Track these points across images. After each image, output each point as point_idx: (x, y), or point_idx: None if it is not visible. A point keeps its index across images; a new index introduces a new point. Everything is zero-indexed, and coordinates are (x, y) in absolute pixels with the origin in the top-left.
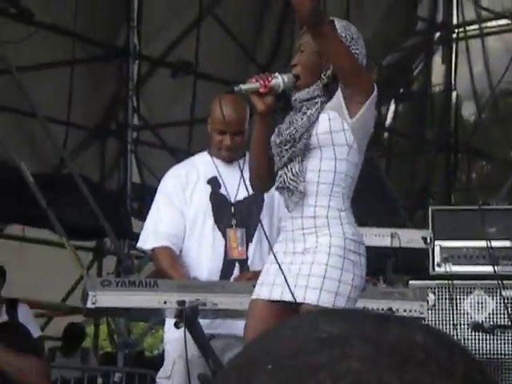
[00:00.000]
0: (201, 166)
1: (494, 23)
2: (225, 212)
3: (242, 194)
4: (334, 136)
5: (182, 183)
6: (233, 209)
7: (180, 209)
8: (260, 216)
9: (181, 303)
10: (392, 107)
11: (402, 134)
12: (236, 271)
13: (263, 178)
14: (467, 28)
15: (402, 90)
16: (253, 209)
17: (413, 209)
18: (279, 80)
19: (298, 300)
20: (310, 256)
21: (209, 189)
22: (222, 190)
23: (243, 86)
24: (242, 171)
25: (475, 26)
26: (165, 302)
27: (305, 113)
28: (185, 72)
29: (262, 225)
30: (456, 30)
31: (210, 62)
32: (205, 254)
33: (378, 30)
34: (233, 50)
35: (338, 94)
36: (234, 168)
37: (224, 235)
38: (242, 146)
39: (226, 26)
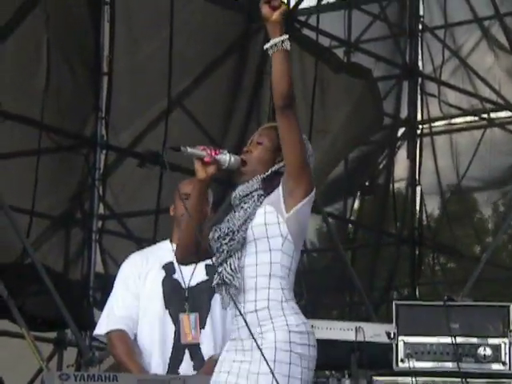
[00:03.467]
0: (159, 252)
1: (459, 120)
2: (176, 297)
3: (197, 280)
4: (268, 228)
5: (138, 269)
6: (186, 293)
7: (135, 293)
8: (211, 301)
9: None
10: (357, 200)
11: (367, 227)
12: (186, 356)
13: (189, 248)
14: (432, 124)
15: (367, 184)
16: (205, 294)
17: (378, 302)
18: (226, 157)
19: None
20: (258, 353)
21: (163, 274)
22: (176, 275)
23: (189, 149)
24: None
25: (440, 122)
26: None
27: (242, 207)
28: (152, 162)
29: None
30: (420, 126)
31: (178, 152)
32: (156, 338)
33: (344, 125)
34: (201, 141)
35: (278, 190)
36: None
37: (174, 320)
38: (207, 216)
39: (194, 117)
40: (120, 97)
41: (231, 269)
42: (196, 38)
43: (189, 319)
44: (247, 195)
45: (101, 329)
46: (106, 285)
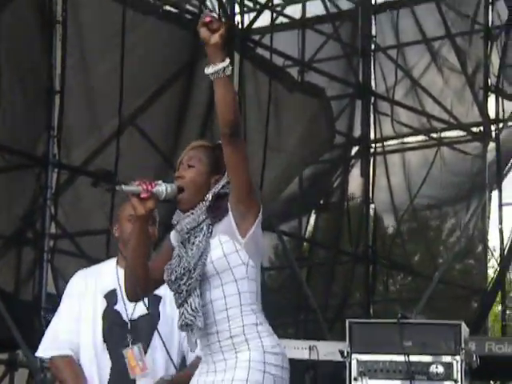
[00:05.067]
0: (103, 276)
1: (412, 139)
2: (117, 330)
3: (138, 313)
4: (228, 259)
5: (83, 288)
6: (129, 326)
7: (77, 315)
8: (152, 337)
9: None
10: (312, 218)
11: (322, 245)
12: None
13: (140, 285)
14: (385, 143)
15: (321, 202)
16: (146, 328)
17: (331, 320)
18: (163, 188)
19: None
20: (231, 373)
21: (104, 304)
22: (118, 306)
23: (124, 187)
24: None
25: (393, 141)
26: None
27: (193, 242)
28: (105, 181)
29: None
30: (374, 145)
31: (131, 171)
32: (94, 370)
33: (298, 143)
34: (153, 159)
35: (228, 217)
36: None
37: (111, 356)
38: (154, 238)
39: (147, 136)
40: (72, 115)
41: (192, 309)
42: (148, 57)
43: (133, 352)
44: (195, 227)
45: (45, 352)
46: (57, 305)
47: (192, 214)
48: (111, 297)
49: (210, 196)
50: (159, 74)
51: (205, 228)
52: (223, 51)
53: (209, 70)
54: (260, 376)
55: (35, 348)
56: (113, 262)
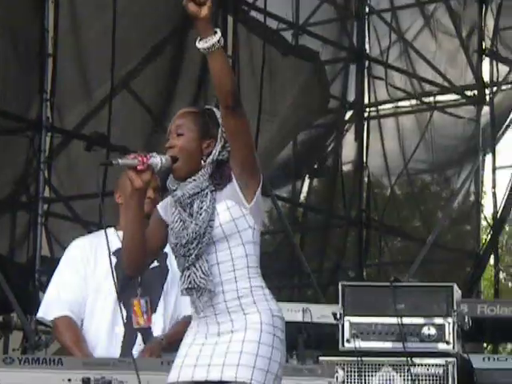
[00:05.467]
0: (104, 240)
1: (405, 103)
2: (127, 284)
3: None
4: (236, 223)
5: (87, 253)
6: (139, 278)
7: (83, 276)
8: (164, 287)
9: (86, 381)
10: (306, 183)
11: (316, 210)
12: (139, 340)
13: (137, 263)
14: (379, 107)
15: (315, 167)
16: (157, 279)
17: (326, 284)
18: (157, 160)
19: (229, 379)
20: (240, 334)
21: (114, 260)
22: None
23: (121, 161)
24: None
25: (387, 106)
26: (69, 380)
27: (201, 207)
28: (99, 144)
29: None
30: (368, 109)
31: (124, 134)
32: (106, 324)
33: (292, 108)
34: (146, 122)
35: (232, 184)
36: None
37: (126, 306)
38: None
39: (139, 99)
40: (65, 79)
41: (202, 272)
42: (140, 20)
43: (140, 303)
44: (198, 193)
45: (46, 313)
46: (51, 268)
47: (194, 180)
48: (120, 254)
49: (208, 163)
50: (151, 37)
51: (209, 194)
52: (211, 23)
53: (202, 45)
54: (270, 339)
55: (29, 311)
56: (110, 229)
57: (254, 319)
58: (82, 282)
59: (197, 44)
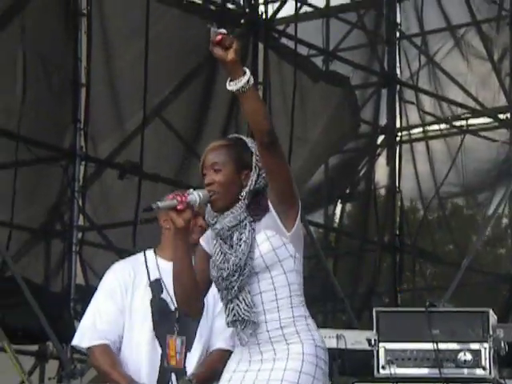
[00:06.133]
0: (144, 265)
1: (436, 126)
2: (164, 319)
3: None
4: (277, 252)
5: (126, 282)
6: (177, 315)
7: (121, 306)
8: (200, 322)
9: None
10: (338, 208)
11: (349, 234)
12: (173, 380)
13: (191, 301)
14: (411, 131)
15: (347, 191)
16: (191, 319)
17: (359, 309)
18: (195, 196)
19: None
20: (282, 363)
21: (149, 293)
22: (164, 295)
23: (160, 204)
24: None
25: (419, 130)
26: None
27: (240, 239)
28: (131, 173)
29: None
30: (399, 134)
31: (156, 162)
32: (143, 362)
33: (323, 133)
34: (178, 150)
35: (271, 213)
36: None
37: (161, 343)
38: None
39: (172, 127)
40: (98, 108)
41: (246, 304)
42: (171, 48)
43: (175, 342)
44: (236, 225)
45: (82, 342)
46: (86, 296)
47: (232, 213)
48: (156, 286)
49: (246, 194)
50: (183, 65)
51: (248, 225)
52: (241, 64)
53: (233, 87)
54: (312, 369)
55: (65, 339)
56: (150, 252)
57: (297, 349)
58: (119, 314)
59: (227, 86)
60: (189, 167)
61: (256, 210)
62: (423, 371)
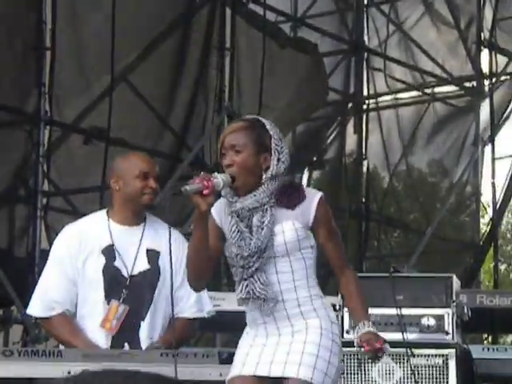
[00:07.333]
0: (96, 229)
1: (405, 94)
2: (117, 286)
3: (139, 269)
4: (300, 242)
5: (76, 250)
6: (127, 282)
7: (72, 277)
8: (155, 291)
9: None
10: (306, 175)
11: None
12: (126, 349)
13: (203, 278)
14: (379, 99)
15: (315, 159)
16: (147, 285)
17: (325, 275)
18: (219, 180)
19: (290, 375)
20: (302, 335)
21: (103, 260)
22: (117, 262)
23: (188, 188)
24: (141, 240)
25: (386, 97)
26: (69, 372)
27: (263, 222)
28: (97, 138)
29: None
30: (367, 101)
31: (123, 128)
32: (96, 329)
33: (292, 99)
34: (146, 117)
35: (309, 212)
36: (133, 234)
37: None
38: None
39: (139, 93)
40: (63, 72)
41: (261, 283)
42: (139, 13)
43: (117, 308)
44: (257, 208)
45: (36, 311)
46: None
47: (254, 195)
48: (109, 252)
49: (267, 178)
50: (152, 28)
51: (269, 210)
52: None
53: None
54: (329, 343)
55: (29, 304)
56: (103, 214)
57: (315, 324)
58: (69, 283)
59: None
60: (159, 135)
61: (284, 199)
62: (387, 336)
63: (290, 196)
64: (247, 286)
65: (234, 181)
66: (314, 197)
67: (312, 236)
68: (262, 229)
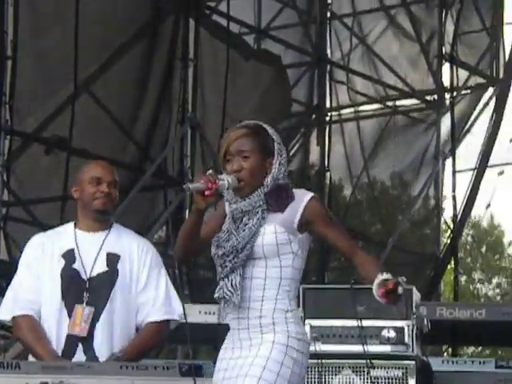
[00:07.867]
0: (62, 237)
1: (367, 107)
2: (75, 288)
3: (97, 270)
4: (279, 247)
5: (42, 254)
6: (87, 284)
7: (38, 276)
8: (111, 293)
9: None
10: None
11: None
12: (79, 350)
13: (189, 255)
14: (341, 111)
15: None
16: (104, 286)
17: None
18: (225, 182)
19: None
20: (255, 350)
21: (62, 263)
22: (76, 265)
23: (191, 186)
24: (102, 244)
25: (349, 109)
26: None
27: (246, 224)
28: (59, 148)
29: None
30: (329, 114)
31: (86, 138)
32: (52, 331)
33: (256, 110)
34: (109, 128)
35: (295, 214)
36: (95, 239)
37: (69, 313)
38: (116, 201)
39: (102, 104)
40: (25, 81)
41: (231, 285)
42: (103, 22)
43: (83, 311)
44: (249, 211)
45: (6, 313)
46: (10, 272)
47: (249, 198)
48: (69, 256)
49: (268, 181)
50: (115, 40)
51: (260, 213)
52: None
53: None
54: (281, 356)
55: None
56: (70, 225)
57: (269, 338)
58: (38, 282)
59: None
60: (122, 145)
61: (273, 203)
62: (347, 348)
63: (277, 199)
64: (222, 286)
65: (240, 183)
66: (303, 197)
67: (297, 242)
68: (244, 230)
